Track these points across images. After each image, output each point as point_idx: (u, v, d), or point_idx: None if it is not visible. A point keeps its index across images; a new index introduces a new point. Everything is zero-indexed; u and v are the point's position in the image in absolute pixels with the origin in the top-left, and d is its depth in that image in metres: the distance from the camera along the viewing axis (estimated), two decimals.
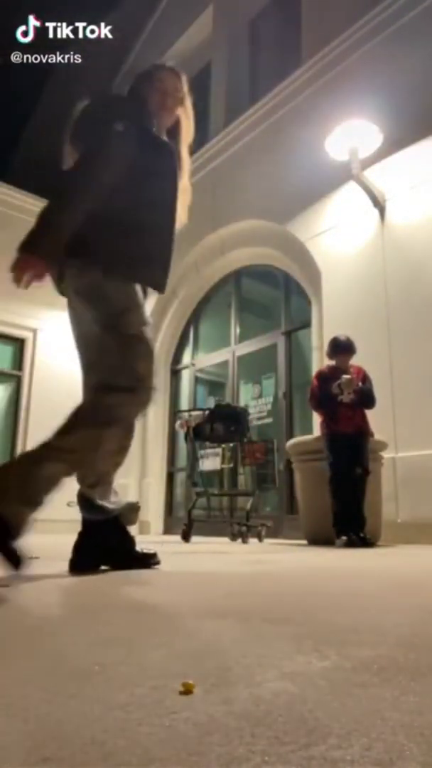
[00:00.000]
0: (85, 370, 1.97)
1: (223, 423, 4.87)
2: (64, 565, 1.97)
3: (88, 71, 11.65)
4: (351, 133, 5.33)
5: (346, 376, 4.36)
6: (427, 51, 5.36)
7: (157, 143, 1.97)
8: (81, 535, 2.05)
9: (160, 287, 2.00)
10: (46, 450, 1.73)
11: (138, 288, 1.91)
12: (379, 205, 5.47)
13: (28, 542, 1.67)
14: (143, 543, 2.28)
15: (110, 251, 1.84)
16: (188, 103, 2.08)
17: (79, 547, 2.01)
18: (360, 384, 4.40)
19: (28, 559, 1.64)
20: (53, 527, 8.35)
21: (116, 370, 1.80)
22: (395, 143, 5.37)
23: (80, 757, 0.48)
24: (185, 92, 2.06)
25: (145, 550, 2.13)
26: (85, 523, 2.07)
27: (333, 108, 5.80)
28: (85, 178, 1.84)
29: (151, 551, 2.13)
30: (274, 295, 7.30)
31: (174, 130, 2.08)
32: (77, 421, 1.77)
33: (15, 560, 1.59)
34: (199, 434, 4.98)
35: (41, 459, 1.72)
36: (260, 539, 4.97)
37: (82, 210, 1.80)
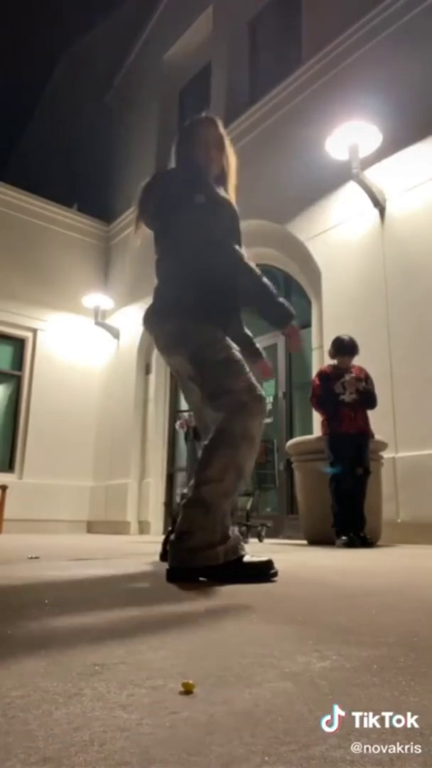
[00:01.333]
0: (201, 407, 2.03)
1: None
2: (64, 565, 1.97)
3: (88, 71, 11.69)
4: (351, 133, 5.33)
5: (351, 375, 4.38)
6: (427, 51, 5.36)
7: (221, 202, 2.06)
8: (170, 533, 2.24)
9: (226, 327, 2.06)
10: (199, 491, 1.78)
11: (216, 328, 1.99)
12: (379, 205, 5.46)
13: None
14: (143, 542, 2.28)
15: (187, 303, 1.96)
16: (228, 145, 2.18)
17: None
18: (364, 383, 4.41)
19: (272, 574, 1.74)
20: (54, 527, 8.34)
21: (219, 397, 1.85)
22: (395, 143, 5.37)
23: (80, 757, 0.48)
24: (223, 135, 2.17)
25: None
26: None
27: (333, 108, 5.80)
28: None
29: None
30: None
31: (220, 175, 2.17)
32: (211, 453, 1.81)
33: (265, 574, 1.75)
34: (199, 434, 4.97)
35: (202, 502, 1.77)
36: (260, 539, 4.97)
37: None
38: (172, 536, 1.79)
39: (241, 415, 1.81)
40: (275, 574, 1.74)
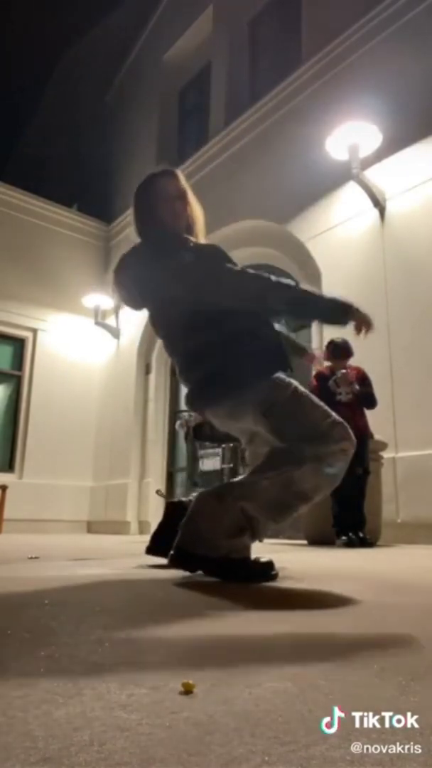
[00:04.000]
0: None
1: None
2: (64, 565, 1.97)
3: (88, 72, 11.68)
4: (351, 133, 5.33)
5: (341, 371, 4.39)
6: (427, 51, 5.36)
7: (206, 254, 1.94)
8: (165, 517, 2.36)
9: (288, 367, 1.97)
10: (224, 485, 1.84)
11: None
12: (379, 205, 5.46)
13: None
14: (143, 542, 2.28)
15: (233, 373, 1.82)
16: (191, 195, 2.05)
17: (162, 530, 2.28)
18: (357, 386, 4.40)
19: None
20: (54, 527, 8.33)
21: (299, 439, 1.74)
22: (395, 143, 5.37)
23: (80, 757, 0.48)
24: (186, 187, 2.04)
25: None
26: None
27: (333, 108, 5.79)
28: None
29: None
30: None
31: (188, 227, 2.05)
32: (271, 467, 1.76)
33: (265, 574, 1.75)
34: (199, 434, 4.98)
35: (219, 493, 1.79)
36: (260, 539, 4.97)
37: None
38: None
39: (317, 444, 1.71)
40: (275, 576, 1.74)
